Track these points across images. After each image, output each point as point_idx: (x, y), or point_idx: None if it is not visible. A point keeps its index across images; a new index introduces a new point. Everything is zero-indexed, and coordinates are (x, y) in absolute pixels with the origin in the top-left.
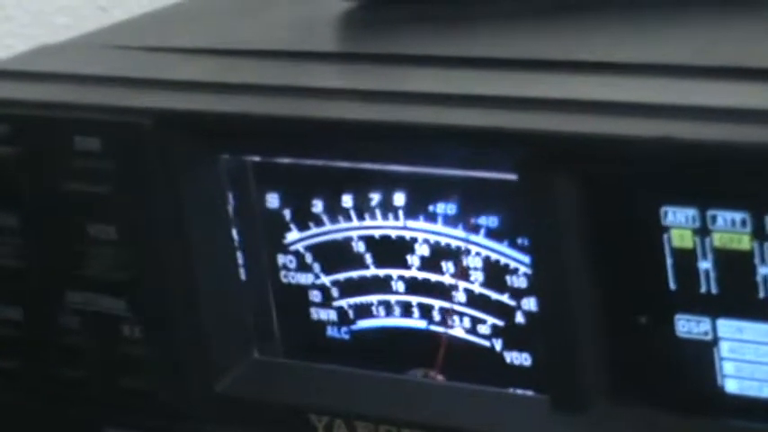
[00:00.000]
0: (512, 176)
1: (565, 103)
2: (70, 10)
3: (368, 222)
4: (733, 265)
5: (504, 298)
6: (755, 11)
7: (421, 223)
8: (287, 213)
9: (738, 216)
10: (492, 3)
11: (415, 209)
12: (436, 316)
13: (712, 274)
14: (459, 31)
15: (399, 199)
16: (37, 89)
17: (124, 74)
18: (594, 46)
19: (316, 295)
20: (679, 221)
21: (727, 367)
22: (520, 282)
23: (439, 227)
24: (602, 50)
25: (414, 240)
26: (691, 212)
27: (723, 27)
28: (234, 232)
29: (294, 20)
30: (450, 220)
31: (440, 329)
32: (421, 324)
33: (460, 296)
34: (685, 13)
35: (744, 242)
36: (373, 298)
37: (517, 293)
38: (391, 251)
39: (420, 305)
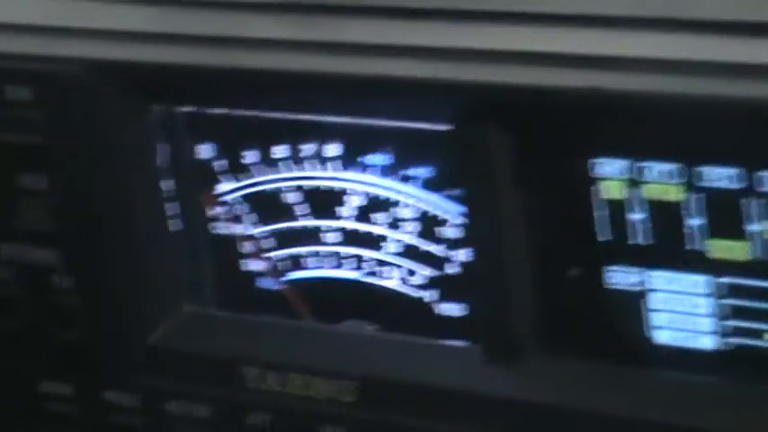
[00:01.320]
0: (445, 127)
1: (500, 54)
2: None
3: (300, 173)
4: (663, 216)
5: (438, 249)
6: None
7: (354, 174)
8: (218, 164)
9: (669, 167)
10: None
11: (348, 160)
12: (368, 267)
13: (642, 226)
14: None
15: (333, 150)
16: None
17: (55, 23)
18: None
19: (247, 246)
20: (609, 173)
21: (657, 318)
22: (453, 233)
23: (372, 178)
24: (536, 2)
25: (346, 191)
26: (621, 164)
27: None
28: (165, 183)
29: None
30: (384, 171)
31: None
32: (353, 275)
33: (394, 247)
34: None
35: (674, 193)
36: (305, 249)
37: (451, 244)
38: (324, 202)
39: (353, 256)
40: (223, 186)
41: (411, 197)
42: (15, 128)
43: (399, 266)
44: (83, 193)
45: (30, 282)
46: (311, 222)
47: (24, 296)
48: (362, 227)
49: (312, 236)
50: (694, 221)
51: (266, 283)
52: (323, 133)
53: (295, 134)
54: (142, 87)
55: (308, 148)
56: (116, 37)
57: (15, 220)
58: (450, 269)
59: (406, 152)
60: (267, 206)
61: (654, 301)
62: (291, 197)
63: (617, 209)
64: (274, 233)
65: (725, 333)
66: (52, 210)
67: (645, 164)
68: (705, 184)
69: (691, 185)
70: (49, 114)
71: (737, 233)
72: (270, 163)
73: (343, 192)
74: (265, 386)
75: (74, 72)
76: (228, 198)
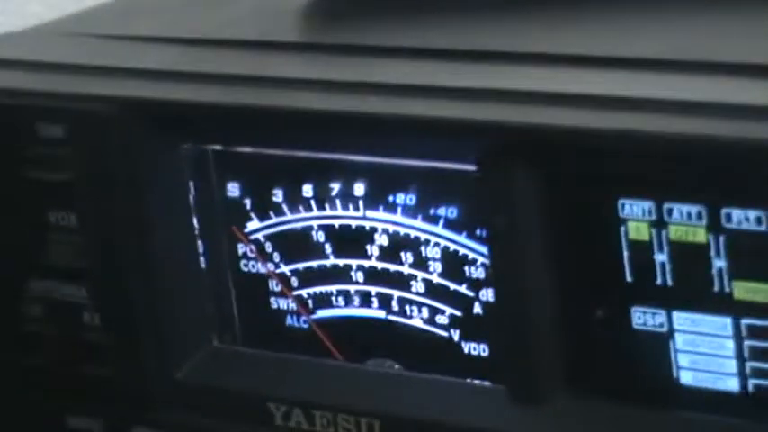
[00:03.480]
0: (471, 167)
1: (527, 95)
2: None
3: (328, 212)
4: (688, 257)
5: (463, 288)
6: (728, 6)
7: (380, 213)
8: (247, 202)
9: (694, 209)
10: None
11: (374, 199)
12: (395, 306)
13: (668, 267)
14: (422, 23)
15: (359, 189)
16: (1, 76)
17: (88, 62)
18: (562, 40)
19: (275, 284)
20: (635, 214)
21: (682, 359)
22: (478, 273)
23: (398, 217)
24: (568, 44)
25: (373, 230)
26: (647, 205)
27: (691, 24)
28: (194, 220)
29: (258, 9)
30: (409, 211)
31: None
32: (380, 314)
33: (419, 286)
34: (660, 8)
35: (699, 235)
36: (333, 287)
37: (475, 284)
38: (351, 241)
39: (379, 295)
40: (252, 224)
41: (436, 236)
42: (47, 165)
43: (425, 305)
44: (112, 230)
45: (58, 318)
46: (338, 261)
47: (53, 332)
48: (389, 266)
49: (339, 274)
50: (719, 263)
51: (294, 321)
52: (350, 172)
53: (322, 173)
54: (172, 126)
55: (335, 187)
56: (147, 76)
57: (45, 257)
58: (476, 309)
59: (431, 191)
60: (295, 244)
61: (680, 342)
62: (319, 236)
63: (643, 250)
64: (302, 271)
65: (750, 374)
66: (82, 247)
67: (670, 205)
68: (730, 225)
69: (716, 227)
70: (80, 152)
71: (762, 275)
72: (298, 201)
73: (369, 231)
74: (292, 423)
75: (105, 110)
76: (257, 236)
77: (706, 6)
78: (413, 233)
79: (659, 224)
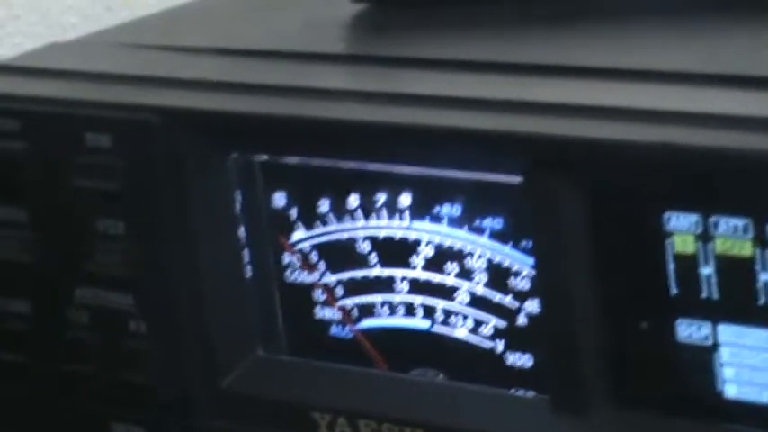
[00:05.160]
0: (516, 179)
1: (570, 108)
2: (78, 9)
3: (373, 223)
4: (734, 270)
5: (507, 300)
6: (759, 19)
7: (426, 224)
8: (293, 212)
9: (740, 222)
10: (500, 8)
11: (420, 210)
12: (439, 316)
13: (713, 280)
14: (466, 35)
15: (405, 200)
16: (49, 86)
17: (135, 72)
18: (601, 52)
19: (320, 294)
20: (681, 227)
21: (727, 372)
22: (523, 284)
23: (443, 228)
24: (608, 57)
25: (418, 241)
26: (693, 218)
27: (727, 35)
28: (240, 230)
29: (304, 21)
30: (454, 222)
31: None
32: (424, 324)
33: (463, 297)
34: (690, 20)
35: (745, 248)
36: (377, 298)
37: (520, 295)
38: (395, 251)
39: (423, 305)
40: (297, 234)
41: (481, 247)
42: (95, 174)
43: (469, 316)
44: (158, 239)
45: (104, 325)
46: (383, 271)
47: (98, 340)
48: (433, 276)
49: (384, 285)
50: (765, 276)
51: (338, 331)
52: (395, 183)
53: (368, 184)
54: (219, 136)
55: (380, 198)
56: (194, 86)
57: (91, 265)
58: (520, 320)
59: (476, 203)
60: (340, 255)
61: (725, 355)
62: (364, 246)
63: (689, 262)
64: (347, 281)
65: None
66: (128, 255)
67: (716, 218)
68: None
69: (762, 240)
70: (127, 161)
71: None
72: (343, 212)
73: (414, 241)
74: None
75: (153, 120)
76: (302, 246)
77: (732, 20)
78: (458, 244)
79: (705, 237)
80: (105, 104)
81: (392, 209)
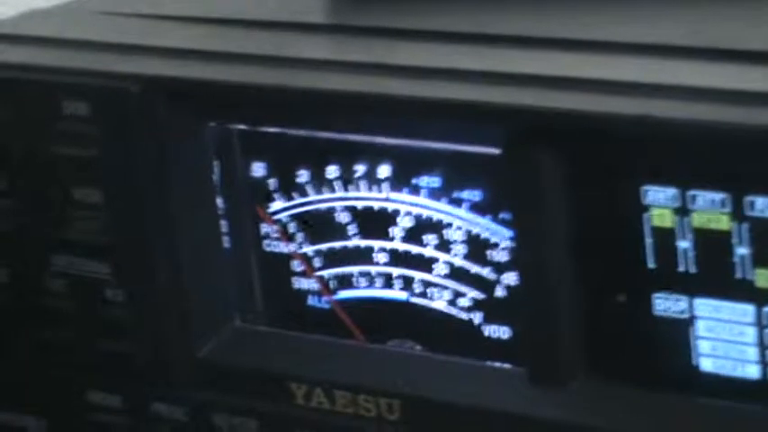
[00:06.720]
0: (496, 151)
1: (550, 80)
2: None
3: (352, 194)
4: (711, 245)
5: (485, 272)
6: None
7: (404, 195)
8: (271, 182)
9: (718, 196)
10: None
11: (399, 181)
12: (417, 288)
13: (691, 254)
14: (446, 6)
15: (384, 171)
16: (26, 52)
17: (113, 39)
18: (584, 25)
19: (298, 264)
20: (659, 200)
21: (703, 346)
22: (501, 256)
23: (422, 199)
24: (590, 29)
25: (397, 212)
26: (671, 192)
27: (714, 9)
28: (218, 200)
29: None
30: (433, 193)
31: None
32: (402, 295)
33: (442, 269)
34: None
35: (722, 222)
36: (355, 269)
37: (498, 267)
38: (374, 223)
39: (401, 277)
40: (275, 204)
41: (460, 219)
42: (72, 142)
43: (447, 288)
44: (136, 207)
45: (81, 293)
46: (361, 242)
47: (75, 307)
48: (412, 248)
49: (362, 256)
50: (742, 250)
51: (315, 302)
52: (374, 154)
53: (347, 154)
54: (197, 105)
55: (359, 169)
56: (173, 55)
57: (68, 232)
58: (498, 292)
59: (456, 175)
60: (318, 225)
61: (701, 328)
62: (343, 217)
63: (666, 236)
64: (325, 252)
65: None
66: (105, 223)
67: (694, 192)
68: (753, 213)
69: (739, 214)
70: (105, 129)
71: None
72: (322, 182)
73: (393, 213)
74: (312, 403)
75: (130, 88)
76: (280, 216)
77: None
78: (436, 216)
79: (683, 211)
80: (83, 72)
81: (371, 180)
